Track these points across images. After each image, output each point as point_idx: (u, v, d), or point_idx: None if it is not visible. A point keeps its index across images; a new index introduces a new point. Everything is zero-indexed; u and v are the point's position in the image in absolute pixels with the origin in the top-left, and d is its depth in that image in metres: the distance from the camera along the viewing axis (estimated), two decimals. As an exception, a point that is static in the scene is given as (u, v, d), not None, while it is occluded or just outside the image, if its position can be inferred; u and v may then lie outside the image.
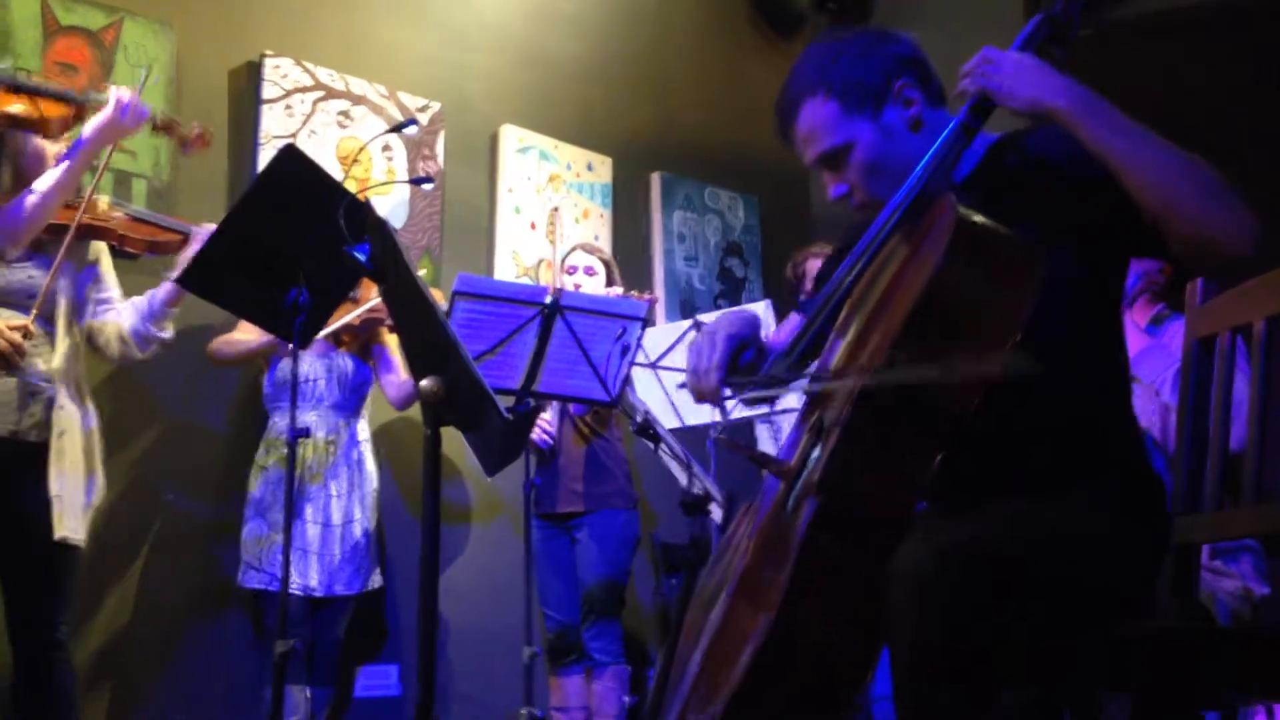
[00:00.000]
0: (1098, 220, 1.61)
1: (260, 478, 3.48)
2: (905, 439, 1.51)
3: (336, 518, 3.46)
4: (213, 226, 2.86)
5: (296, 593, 3.33)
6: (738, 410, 3.87)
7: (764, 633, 1.42)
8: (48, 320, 2.83)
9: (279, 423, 3.51)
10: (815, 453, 1.58)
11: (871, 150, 1.73)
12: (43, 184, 2.75)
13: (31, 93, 2.75)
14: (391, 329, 3.63)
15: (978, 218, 1.54)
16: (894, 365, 1.48)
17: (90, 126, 2.78)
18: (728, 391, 1.76)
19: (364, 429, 3.67)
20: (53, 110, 2.76)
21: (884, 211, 1.69)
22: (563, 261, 4.02)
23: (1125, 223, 1.57)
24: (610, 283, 3.98)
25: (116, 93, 2.80)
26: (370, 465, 3.63)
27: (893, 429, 1.50)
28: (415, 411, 4.06)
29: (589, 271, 3.97)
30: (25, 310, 2.76)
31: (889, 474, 1.52)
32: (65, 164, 2.76)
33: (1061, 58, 1.63)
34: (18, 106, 2.71)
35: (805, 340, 1.70)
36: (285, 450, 3.44)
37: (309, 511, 3.43)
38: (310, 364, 3.56)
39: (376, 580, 3.60)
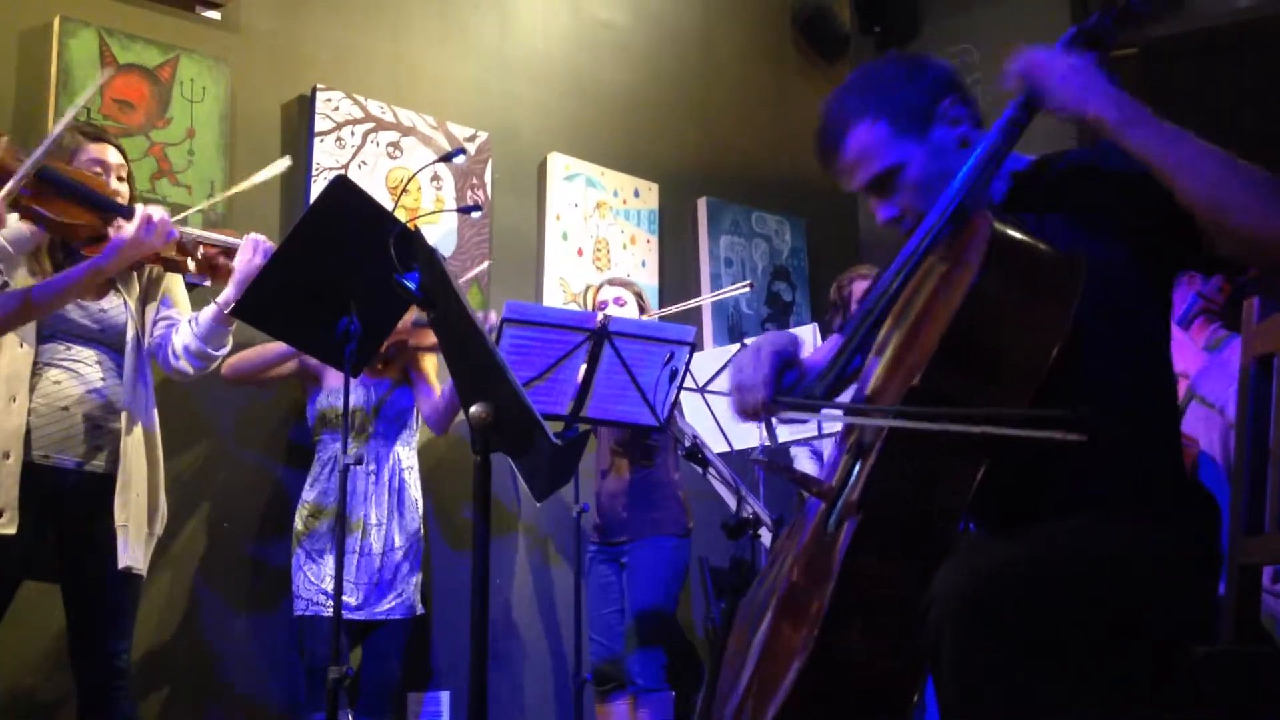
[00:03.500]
0: (1146, 223, 1.60)
1: (302, 511, 3.49)
2: (945, 456, 1.50)
3: (376, 547, 3.45)
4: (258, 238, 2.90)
5: (329, 614, 3.31)
6: (783, 432, 3.86)
7: (808, 651, 1.42)
8: (115, 351, 2.86)
9: (321, 456, 3.53)
10: (855, 472, 1.57)
11: (923, 169, 1.73)
12: (55, 283, 2.69)
13: (61, 187, 2.66)
14: (423, 351, 3.64)
15: (1013, 232, 1.54)
16: (932, 383, 1.47)
17: (119, 237, 2.71)
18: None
19: (408, 457, 3.64)
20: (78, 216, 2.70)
21: (920, 228, 1.68)
22: (595, 296, 4.07)
23: (1173, 224, 1.55)
24: (641, 311, 4.01)
25: (145, 210, 2.75)
26: (413, 493, 3.59)
27: (932, 446, 1.49)
28: (455, 438, 4.08)
29: (619, 302, 4.00)
30: (99, 345, 2.81)
31: (929, 492, 1.51)
32: (88, 267, 2.71)
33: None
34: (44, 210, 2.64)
35: (843, 361, 1.69)
36: (325, 485, 3.49)
37: (348, 542, 3.39)
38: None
39: (418, 608, 3.57)
